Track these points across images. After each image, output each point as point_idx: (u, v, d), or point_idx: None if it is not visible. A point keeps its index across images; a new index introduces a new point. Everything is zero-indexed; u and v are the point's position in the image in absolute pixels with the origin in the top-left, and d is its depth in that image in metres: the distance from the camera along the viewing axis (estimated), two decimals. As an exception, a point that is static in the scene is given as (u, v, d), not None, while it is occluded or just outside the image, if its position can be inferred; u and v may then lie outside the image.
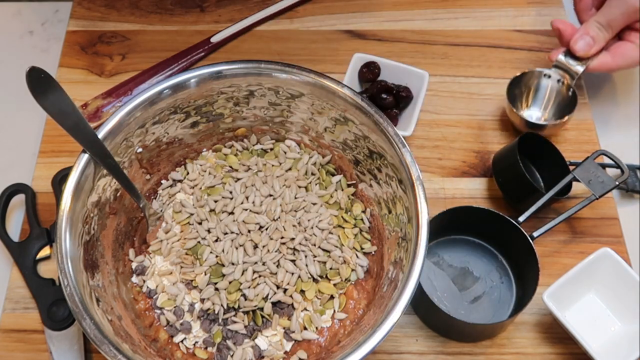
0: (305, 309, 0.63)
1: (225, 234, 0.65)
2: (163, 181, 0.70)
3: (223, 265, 0.63)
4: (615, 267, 0.66)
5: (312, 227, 0.66)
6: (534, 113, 0.79)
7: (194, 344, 0.62)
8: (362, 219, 0.68)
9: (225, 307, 0.62)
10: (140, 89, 0.81)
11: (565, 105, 0.77)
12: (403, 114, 0.78)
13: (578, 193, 0.73)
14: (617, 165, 0.70)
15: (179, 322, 0.63)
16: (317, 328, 0.62)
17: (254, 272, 0.63)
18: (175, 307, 0.63)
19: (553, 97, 0.78)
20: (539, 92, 0.79)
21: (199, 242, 0.65)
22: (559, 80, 0.77)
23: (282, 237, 0.64)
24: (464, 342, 0.67)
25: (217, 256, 0.64)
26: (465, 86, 0.83)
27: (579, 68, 0.76)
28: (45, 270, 0.70)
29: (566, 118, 0.75)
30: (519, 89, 0.78)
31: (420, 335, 0.67)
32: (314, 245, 0.65)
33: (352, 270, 0.65)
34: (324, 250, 0.65)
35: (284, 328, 0.62)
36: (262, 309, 0.62)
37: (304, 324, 0.62)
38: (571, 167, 0.71)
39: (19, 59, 0.87)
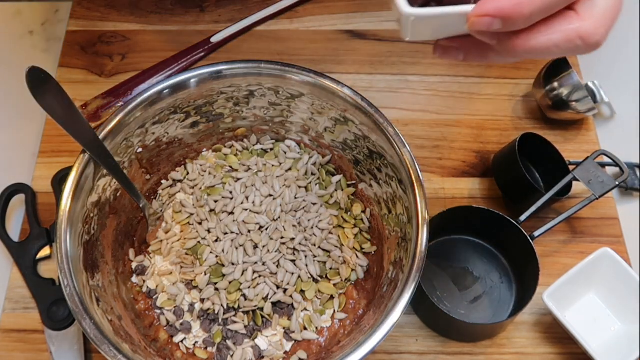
0: (305, 309, 0.63)
1: (225, 234, 0.65)
2: (163, 181, 0.70)
3: (223, 265, 0.63)
4: (615, 267, 0.66)
5: (312, 227, 0.66)
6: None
7: (194, 344, 0.62)
8: (362, 219, 0.68)
9: (225, 307, 0.62)
10: (140, 89, 0.81)
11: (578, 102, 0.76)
12: None
13: (578, 193, 0.73)
14: (617, 164, 0.70)
15: (179, 322, 0.63)
16: (317, 328, 0.62)
17: (254, 272, 0.63)
18: (175, 307, 0.63)
19: (573, 95, 0.76)
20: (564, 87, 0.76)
21: (199, 242, 0.65)
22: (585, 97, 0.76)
23: (282, 237, 0.64)
24: (464, 342, 0.67)
25: (217, 256, 0.64)
26: (465, 86, 0.83)
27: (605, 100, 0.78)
28: (45, 270, 0.70)
29: (590, 113, 0.75)
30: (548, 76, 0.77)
31: (420, 335, 0.67)
32: (314, 245, 0.65)
33: (352, 270, 0.65)
34: (324, 250, 0.65)
35: (284, 328, 0.62)
36: (262, 309, 0.62)
37: (304, 324, 0.62)
38: (571, 167, 0.71)
39: (19, 59, 0.87)
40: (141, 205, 0.65)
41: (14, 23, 0.91)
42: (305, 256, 0.64)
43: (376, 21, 0.89)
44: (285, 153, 0.71)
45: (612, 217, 0.74)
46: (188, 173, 0.70)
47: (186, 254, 0.65)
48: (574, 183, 0.71)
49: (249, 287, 0.62)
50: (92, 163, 0.59)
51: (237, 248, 0.64)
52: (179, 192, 0.69)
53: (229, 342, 0.61)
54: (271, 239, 0.64)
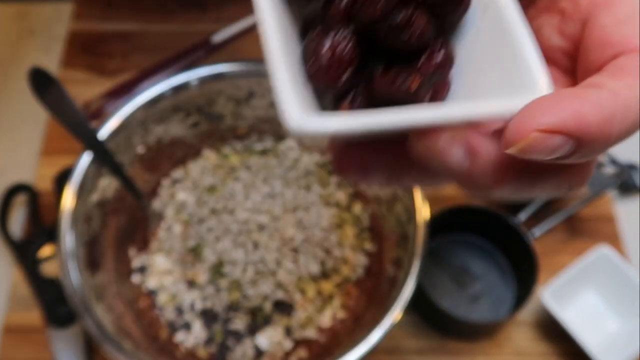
0: (306, 308, 0.63)
1: (226, 233, 0.65)
2: (164, 180, 0.70)
3: (224, 265, 0.64)
4: (614, 266, 0.66)
5: (312, 227, 0.66)
6: None
7: (195, 343, 0.63)
8: (362, 218, 0.68)
9: (226, 306, 0.62)
10: (141, 88, 0.81)
11: None
12: None
13: (577, 192, 0.74)
14: (616, 164, 0.70)
15: (180, 321, 0.63)
16: (317, 327, 0.63)
17: (255, 271, 0.63)
18: (175, 306, 0.64)
19: None
20: None
21: (199, 241, 0.66)
22: None
23: (282, 237, 0.65)
24: (464, 341, 0.67)
25: (217, 255, 0.64)
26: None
27: None
28: (47, 269, 0.71)
29: None
30: None
31: (420, 334, 0.68)
32: (314, 244, 0.65)
33: (352, 269, 0.65)
34: (324, 249, 0.65)
35: (284, 327, 0.63)
36: (262, 308, 0.62)
37: (304, 323, 0.63)
38: (570, 167, 0.72)
39: (21, 60, 0.87)
40: (142, 205, 0.65)
41: (16, 24, 0.91)
42: (306, 255, 0.64)
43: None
44: (286, 153, 0.71)
45: (611, 216, 0.74)
46: (189, 172, 0.71)
47: (187, 253, 0.65)
48: (574, 182, 0.71)
49: (249, 286, 0.63)
50: (94, 163, 0.60)
51: (237, 247, 0.64)
52: (180, 191, 0.70)
53: (230, 341, 0.62)
54: (271, 238, 0.65)
